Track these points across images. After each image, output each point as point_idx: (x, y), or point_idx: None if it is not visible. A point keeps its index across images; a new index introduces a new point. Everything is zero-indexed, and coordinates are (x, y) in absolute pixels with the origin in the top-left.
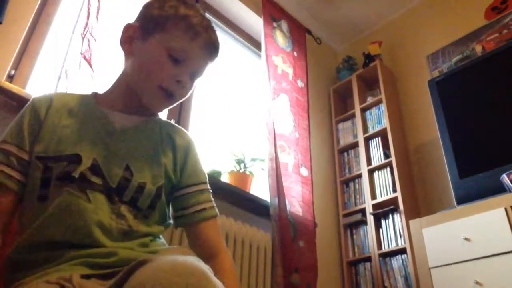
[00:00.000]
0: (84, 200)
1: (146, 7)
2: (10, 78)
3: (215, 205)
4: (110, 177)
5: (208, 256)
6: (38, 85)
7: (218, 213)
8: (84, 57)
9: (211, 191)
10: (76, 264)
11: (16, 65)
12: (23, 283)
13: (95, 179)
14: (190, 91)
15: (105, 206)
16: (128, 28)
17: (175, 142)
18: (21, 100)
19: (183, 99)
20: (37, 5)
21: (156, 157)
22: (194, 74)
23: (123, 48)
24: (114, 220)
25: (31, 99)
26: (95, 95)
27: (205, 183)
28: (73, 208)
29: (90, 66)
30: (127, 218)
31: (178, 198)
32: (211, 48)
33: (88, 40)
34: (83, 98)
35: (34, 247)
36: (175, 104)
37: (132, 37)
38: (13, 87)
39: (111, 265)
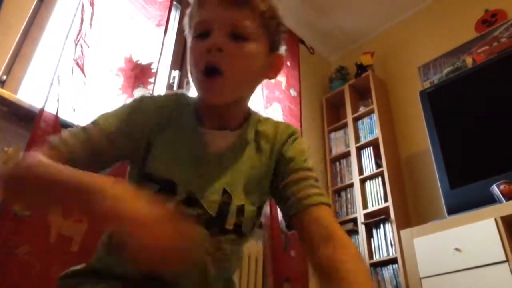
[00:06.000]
0: None
1: None
2: (2, 83)
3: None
4: (208, 205)
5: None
6: (30, 90)
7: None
8: (77, 63)
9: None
10: None
11: (8, 70)
12: None
13: (191, 211)
14: (243, 55)
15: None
16: None
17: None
18: (12, 106)
19: (244, 66)
20: (31, 11)
21: (258, 177)
22: (233, 34)
23: None
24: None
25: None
26: (194, 103)
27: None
28: None
29: (83, 72)
30: (225, 249)
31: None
32: None
33: (81, 47)
34: (180, 100)
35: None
36: (232, 78)
37: None
38: (4, 92)
39: None
